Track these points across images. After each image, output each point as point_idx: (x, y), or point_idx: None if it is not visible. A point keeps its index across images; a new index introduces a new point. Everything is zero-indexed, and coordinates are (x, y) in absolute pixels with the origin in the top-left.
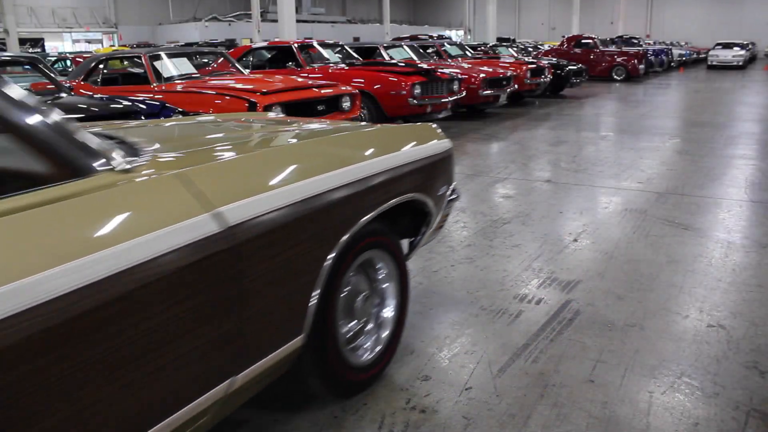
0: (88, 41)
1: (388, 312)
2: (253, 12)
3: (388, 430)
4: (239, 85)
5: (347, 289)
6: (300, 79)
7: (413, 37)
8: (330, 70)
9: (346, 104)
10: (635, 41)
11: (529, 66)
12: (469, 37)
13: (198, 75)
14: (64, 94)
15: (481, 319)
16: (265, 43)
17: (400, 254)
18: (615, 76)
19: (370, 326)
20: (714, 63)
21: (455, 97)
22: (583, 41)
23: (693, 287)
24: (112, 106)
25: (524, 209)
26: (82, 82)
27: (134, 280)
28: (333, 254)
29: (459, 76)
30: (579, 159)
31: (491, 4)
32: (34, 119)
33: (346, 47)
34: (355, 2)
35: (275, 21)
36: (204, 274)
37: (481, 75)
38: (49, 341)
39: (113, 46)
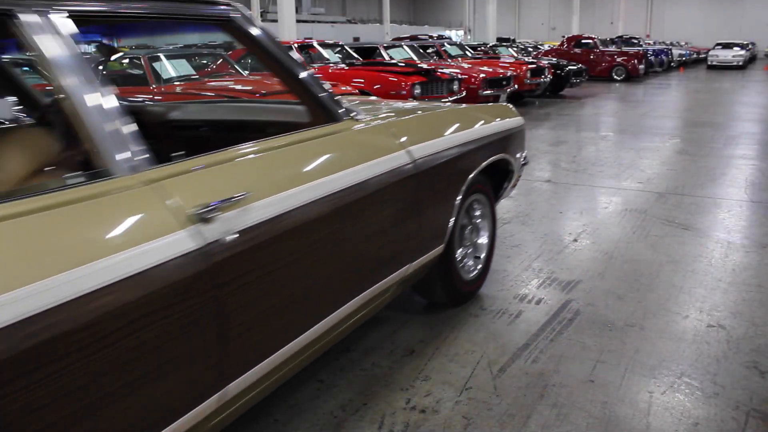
0: (87, 42)
1: (483, 240)
2: (252, 12)
3: (388, 430)
4: (238, 87)
5: (462, 221)
6: None
7: (413, 37)
8: (330, 71)
9: None
10: (635, 41)
11: (529, 66)
12: (469, 37)
13: (197, 77)
14: None
15: (481, 319)
16: None
17: (492, 200)
18: (615, 76)
19: (471, 250)
20: (714, 63)
21: (455, 97)
22: (583, 41)
23: (693, 287)
24: None
25: (524, 209)
26: None
27: (370, 185)
28: (463, 188)
29: (459, 76)
30: (579, 159)
31: (491, 4)
32: (313, 79)
33: (346, 47)
34: (355, 2)
35: (275, 21)
36: (399, 191)
37: (481, 75)
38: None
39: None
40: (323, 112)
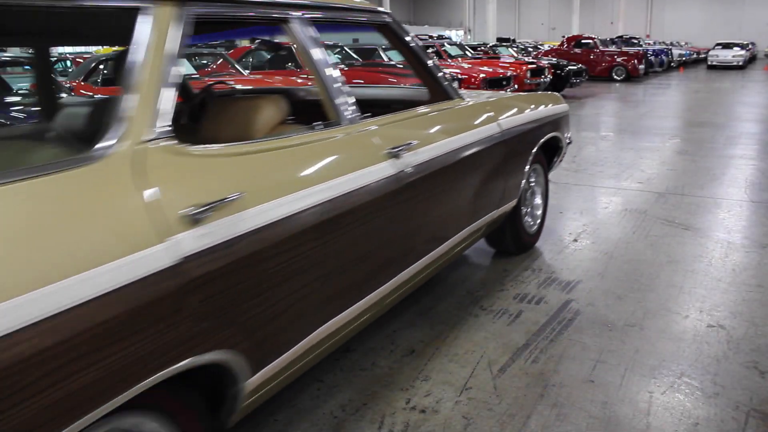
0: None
1: (539, 202)
2: None
3: (388, 430)
4: (238, 87)
5: (527, 185)
6: (299, 80)
7: None
8: None
9: None
10: (635, 41)
11: (529, 66)
12: (469, 37)
13: (197, 76)
14: (64, 95)
15: (481, 319)
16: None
17: (546, 170)
18: (615, 76)
19: (530, 210)
20: (714, 63)
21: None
22: (583, 41)
23: (693, 287)
24: None
25: None
26: (82, 83)
27: (479, 145)
28: (530, 157)
29: (459, 76)
30: (579, 159)
31: (491, 4)
32: (436, 68)
33: (346, 48)
34: None
35: None
36: (493, 152)
37: (481, 75)
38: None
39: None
40: (443, 92)
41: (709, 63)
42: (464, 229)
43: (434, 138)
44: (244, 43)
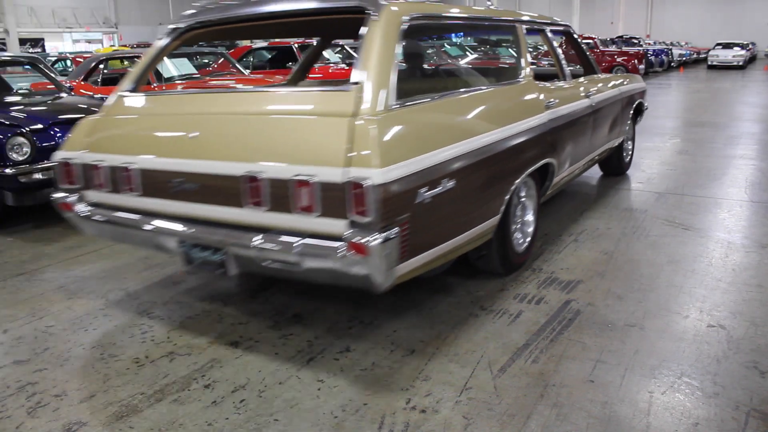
0: (89, 41)
1: (629, 145)
2: None
3: (388, 430)
4: (239, 86)
5: (629, 133)
6: None
7: None
8: (330, 70)
9: None
10: (635, 41)
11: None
12: (469, 37)
13: (198, 75)
14: (64, 94)
15: (481, 319)
16: (265, 44)
17: (634, 123)
18: None
19: (629, 146)
20: (714, 63)
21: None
22: (583, 41)
23: (693, 287)
24: None
25: None
26: (82, 82)
27: (616, 99)
28: (631, 111)
29: None
30: None
31: (491, 5)
32: (591, 55)
33: (347, 47)
34: None
35: None
36: (618, 104)
37: None
38: None
39: (113, 46)
40: (594, 71)
41: (710, 63)
42: (605, 144)
43: (600, 90)
44: (245, 42)
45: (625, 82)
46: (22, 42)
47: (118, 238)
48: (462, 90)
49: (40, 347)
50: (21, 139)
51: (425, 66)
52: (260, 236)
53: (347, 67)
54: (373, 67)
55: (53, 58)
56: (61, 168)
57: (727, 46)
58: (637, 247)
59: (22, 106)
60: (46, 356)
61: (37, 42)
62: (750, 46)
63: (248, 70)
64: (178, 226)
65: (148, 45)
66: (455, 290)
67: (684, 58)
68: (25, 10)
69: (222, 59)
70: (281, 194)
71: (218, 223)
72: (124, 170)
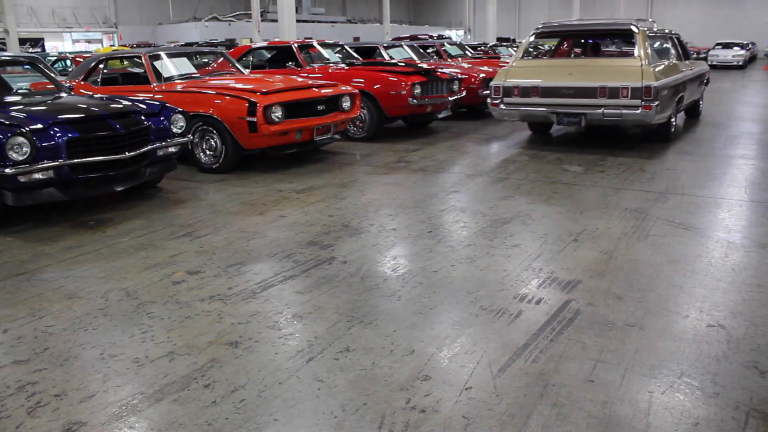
0: (88, 41)
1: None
2: (253, 12)
3: (388, 430)
4: (239, 85)
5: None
6: (300, 79)
7: (413, 37)
8: (330, 70)
9: (346, 104)
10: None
11: None
12: (469, 37)
13: (198, 75)
14: (64, 94)
15: (481, 319)
16: (265, 43)
17: (702, 89)
18: None
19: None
20: (714, 63)
21: (455, 97)
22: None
23: (693, 287)
24: (112, 105)
25: (524, 209)
26: (82, 82)
27: (699, 75)
28: (704, 86)
29: (459, 76)
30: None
31: (491, 4)
32: (686, 50)
33: (346, 47)
34: (355, 2)
35: (275, 21)
36: (699, 78)
37: (481, 75)
38: None
39: (113, 46)
40: (688, 57)
41: (709, 63)
42: (695, 95)
43: (693, 67)
44: (245, 41)
45: (701, 65)
46: (22, 42)
47: (523, 116)
48: (674, 60)
49: (39, 347)
50: (21, 139)
51: (661, 51)
52: (601, 108)
53: (347, 67)
54: (642, 50)
55: (53, 58)
56: (494, 89)
57: (727, 45)
58: (637, 247)
59: (22, 106)
60: (46, 356)
61: (37, 42)
62: (750, 46)
63: (248, 70)
64: (559, 108)
65: (148, 45)
66: (455, 290)
67: None
68: (24, 9)
69: (222, 59)
70: (613, 93)
71: (577, 106)
72: (533, 88)
